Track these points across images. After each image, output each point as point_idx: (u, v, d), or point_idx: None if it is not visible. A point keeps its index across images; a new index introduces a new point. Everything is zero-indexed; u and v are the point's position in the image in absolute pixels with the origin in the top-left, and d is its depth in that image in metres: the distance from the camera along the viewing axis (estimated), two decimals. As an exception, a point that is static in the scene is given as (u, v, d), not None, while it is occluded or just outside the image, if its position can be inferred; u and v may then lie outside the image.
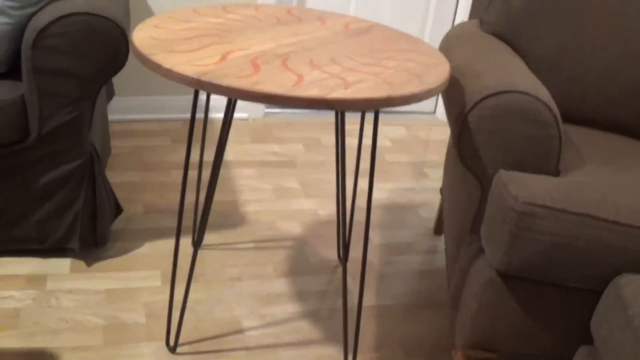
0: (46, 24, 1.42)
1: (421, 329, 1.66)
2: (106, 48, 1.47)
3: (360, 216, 2.10)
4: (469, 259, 1.38)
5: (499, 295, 1.29)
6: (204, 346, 1.51)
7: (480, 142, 1.31)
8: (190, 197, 2.06)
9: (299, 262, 1.85)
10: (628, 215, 1.21)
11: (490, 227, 1.26)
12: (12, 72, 1.60)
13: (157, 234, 1.87)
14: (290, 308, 1.67)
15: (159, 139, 2.41)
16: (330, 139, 2.60)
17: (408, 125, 2.84)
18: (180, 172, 2.19)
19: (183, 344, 1.51)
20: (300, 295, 1.72)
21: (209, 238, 1.89)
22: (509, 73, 1.37)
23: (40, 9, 1.50)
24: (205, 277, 1.73)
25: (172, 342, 1.50)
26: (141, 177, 2.14)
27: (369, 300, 1.74)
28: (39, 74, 1.45)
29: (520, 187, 1.22)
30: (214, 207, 2.04)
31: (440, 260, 1.94)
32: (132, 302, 1.61)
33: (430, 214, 2.18)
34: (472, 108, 1.30)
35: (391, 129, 2.79)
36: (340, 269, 1.83)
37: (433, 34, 2.85)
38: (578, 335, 1.33)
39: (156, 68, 1.13)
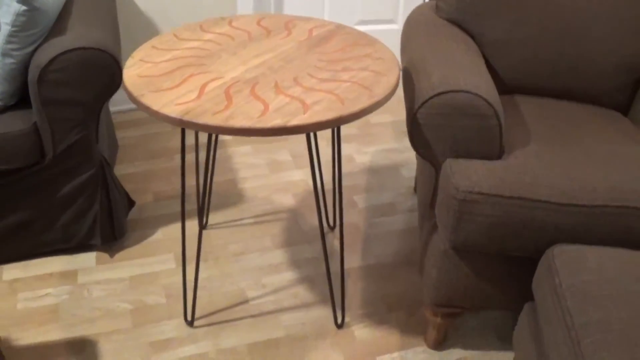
0: (47, 62, 1.62)
1: (401, 285, 1.92)
2: (102, 75, 1.68)
3: (346, 182, 2.33)
4: (428, 231, 1.62)
5: (453, 264, 1.54)
6: (216, 318, 1.79)
7: (429, 135, 1.52)
8: (193, 181, 2.30)
9: (293, 233, 2.10)
10: (558, 194, 1.42)
11: (440, 210, 1.49)
12: (22, 100, 1.82)
13: (167, 220, 2.13)
14: (288, 276, 1.93)
15: (161, 125, 2.63)
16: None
17: (391, 82, 3.02)
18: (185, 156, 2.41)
19: (199, 318, 1.78)
20: (296, 263, 1.98)
21: (213, 218, 2.15)
22: (456, 70, 1.55)
23: (39, 46, 1.70)
24: (214, 255, 1.99)
25: (189, 317, 1.78)
26: (149, 166, 2.37)
27: (355, 262, 1.99)
28: (47, 105, 1.66)
29: (462, 177, 1.43)
30: (215, 187, 2.28)
31: (420, 218, 2.18)
32: (153, 285, 1.88)
33: (411, 173, 2.40)
34: (420, 106, 1.50)
35: (375, 88, 2.97)
36: (330, 235, 2.09)
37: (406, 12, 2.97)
38: (525, 294, 1.57)
39: (146, 109, 1.35)
